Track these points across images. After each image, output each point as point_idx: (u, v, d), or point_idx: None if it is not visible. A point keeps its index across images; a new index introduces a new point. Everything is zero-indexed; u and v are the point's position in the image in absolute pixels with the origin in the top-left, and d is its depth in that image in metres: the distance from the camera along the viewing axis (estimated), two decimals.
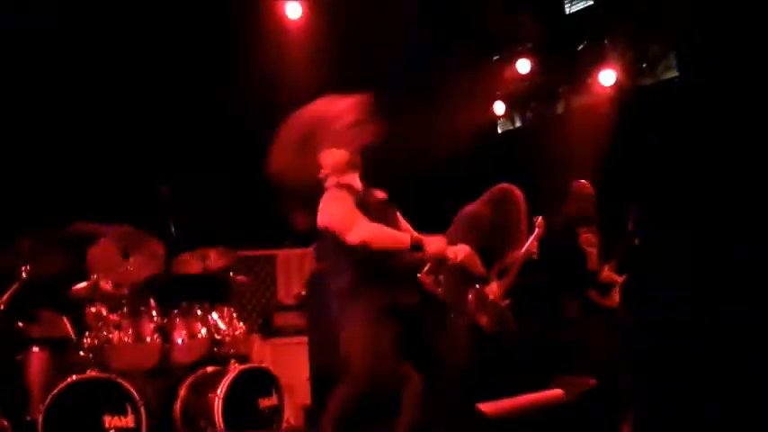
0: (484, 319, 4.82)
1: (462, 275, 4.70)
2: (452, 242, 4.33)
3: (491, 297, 4.89)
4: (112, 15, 6.37)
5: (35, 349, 4.80)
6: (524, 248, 5.07)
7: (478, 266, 4.04)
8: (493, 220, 4.90)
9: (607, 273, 5.65)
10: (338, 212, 3.51)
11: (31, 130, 6.26)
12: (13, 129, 6.18)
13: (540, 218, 5.24)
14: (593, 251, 5.73)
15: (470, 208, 5.03)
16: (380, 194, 3.83)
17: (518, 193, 5.00)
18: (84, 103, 6.56)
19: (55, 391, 4.35)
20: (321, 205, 3.58)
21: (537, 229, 5.18)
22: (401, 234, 3.59)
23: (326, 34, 7.10)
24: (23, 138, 6.21)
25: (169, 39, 6.64)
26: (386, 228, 3.55)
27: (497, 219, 4.92)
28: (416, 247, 3.50)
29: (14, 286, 4.69)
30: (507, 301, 4.98)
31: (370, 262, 3.49)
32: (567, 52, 8.01)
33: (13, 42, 6.10)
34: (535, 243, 5.15)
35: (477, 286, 4.85)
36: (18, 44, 6.15)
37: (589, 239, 5.75)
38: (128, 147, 6.74)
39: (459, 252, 3.60)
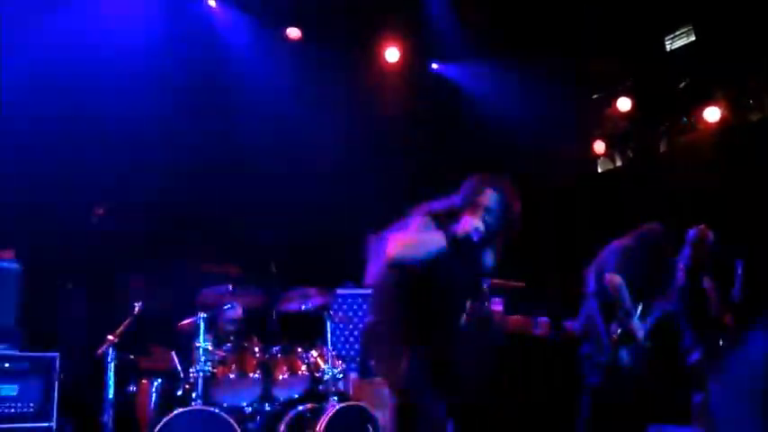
0: (625, 356, 4.74)
1: (608, 306, 4.66)
2: (603, 267, 4.32)
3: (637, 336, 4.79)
4: None
5: (144, 381, 5.04)
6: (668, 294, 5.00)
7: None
8: (640, 257, 4.85)
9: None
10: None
11: (148, 168, 6.59)
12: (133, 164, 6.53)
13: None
14: (714, 298, 5.60)
15: (622, 241, 5.01)
16: None
17: (666, 233, 4.96)
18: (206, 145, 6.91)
19: (162, 422, 4.52)
20: None
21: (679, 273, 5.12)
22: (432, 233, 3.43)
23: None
24: (141, 176, 6.55)
25: None
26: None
27: (645, 256, 4.87)
28: (449, 235, 3.36)
29: (127, 321, 4.93)
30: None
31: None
32: (668, 89, 7.86)
33: None
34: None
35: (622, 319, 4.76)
36: None
37: (711, 286, 5.62)
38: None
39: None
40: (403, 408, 3.46)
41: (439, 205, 3.66)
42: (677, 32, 7.76)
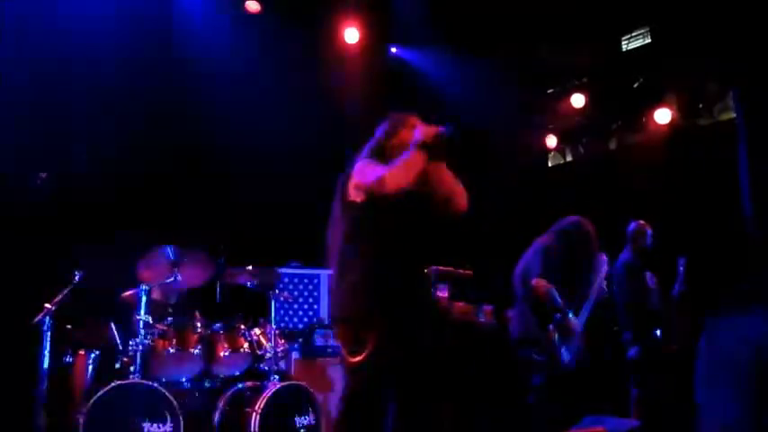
0: (566, 354, 4.78)
1: (540, 309, 4.69)
2: (528, 272, 4.33)
3: (573, 332, 4.83)
4: None
5: (81, 353, 4.93)
6: (597, 285, 5.02)
7: None
8: (563, 254, 4.88)
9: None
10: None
11: (101, 135, 6.43)
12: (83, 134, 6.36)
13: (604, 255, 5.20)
14: (654, 292, 5.71)
15: (543, 240, 5.01)
16: None
17: (590, 227, 4.98)
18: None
19: (97, 394, 4.43)
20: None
21: (604, 266, 5.14)
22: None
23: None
24: (87, 145, 6.38)
25: None
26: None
27: (568, 252, 4.89)
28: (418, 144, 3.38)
29: (66, 290, 4.80)
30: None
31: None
32: (622, 89, 7.98)
33: None
34: (604, 280, 5.12)
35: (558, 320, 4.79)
36: None
37: (653, 281, 5.73)
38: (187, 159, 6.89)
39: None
40: (353, 392, 3.43)
41: (366, 148, 3.67)
42: (634, 33, 7.88)
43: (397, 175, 3.33)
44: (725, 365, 2.12)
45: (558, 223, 5.09)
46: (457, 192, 3.62)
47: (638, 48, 7.86)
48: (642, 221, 5.91)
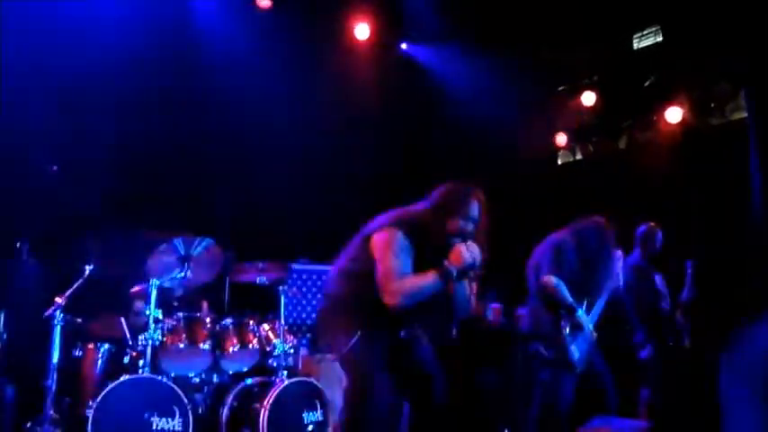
0: (575, 353, 4.76)
1: (551, 305, 4.68)
2: (539, 267, 4.33)
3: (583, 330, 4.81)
4: None
5: (91, 346, 4.95)
6: (611, 283, 4.99)
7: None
8: (577, 250, 4.86)
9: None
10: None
11: (112, 135, 6.46)
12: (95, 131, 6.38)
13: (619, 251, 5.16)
14: (665, 295, 5.69)
15: (557, 235, 5.00)
16: None
17: (607, 225, 4.95)
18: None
19: (106, 388, 4.45)
20: None
21: (619, 263, 5.10)
22: (423, 275, 3.55)
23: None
24: (100, 140, 6.40)
25: None
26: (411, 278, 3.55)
27: (581, 249, 4.87)
28: (445, 274, 3.49)
29: (77, 283, 4.82)
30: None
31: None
32: (632, 87, 7.95)
33: None
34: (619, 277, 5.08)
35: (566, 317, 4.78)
36: None
37: (662, 283, 5.71)
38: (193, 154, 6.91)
39: (473, 249, 3.56)
40: (354, 388, 3.47)
41: (408, 215, 3.69)
42: (645, 32, 7.84)
43: (398, 296, 3.45)
44: (746, 377, 2.12)
45: (576, 221, 5.07)
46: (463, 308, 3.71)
47: (649, 46, 7.82)
48: (653, 224, 5.88)
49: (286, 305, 5.67)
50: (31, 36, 5.94)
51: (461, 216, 3.61)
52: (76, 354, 4.99)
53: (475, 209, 3.64)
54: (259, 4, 7.30)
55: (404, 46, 8.35)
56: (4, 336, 4.80)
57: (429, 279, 3.49)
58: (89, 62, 6.17)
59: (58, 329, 4.66)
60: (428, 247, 3.57)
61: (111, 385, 4.47)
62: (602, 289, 4.94)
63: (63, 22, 6.08)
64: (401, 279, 3.48)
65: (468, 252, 3.52)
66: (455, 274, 3.50)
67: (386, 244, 3.55)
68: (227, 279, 5.76)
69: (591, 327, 4.83)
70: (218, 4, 7.08)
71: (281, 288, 5.51)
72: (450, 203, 3.65)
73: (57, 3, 6.05)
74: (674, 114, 7.61)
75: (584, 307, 4.80)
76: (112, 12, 6.27)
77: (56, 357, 4.64)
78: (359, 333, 3.50)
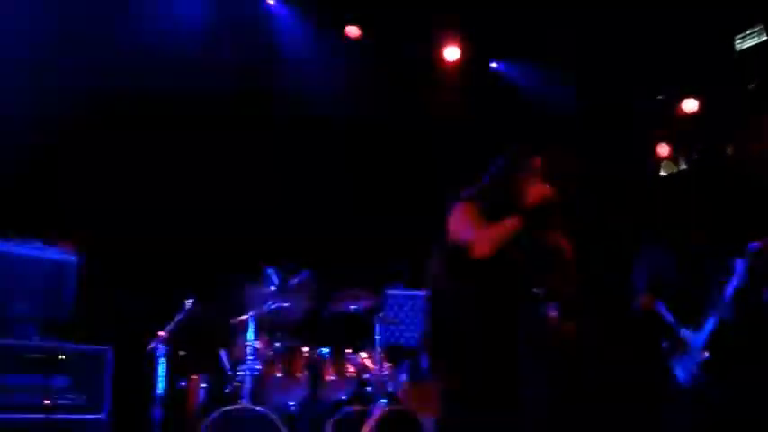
0: (681, 373, 4.58)
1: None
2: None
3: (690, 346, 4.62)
4: None
5: (194, 377, 5.10)
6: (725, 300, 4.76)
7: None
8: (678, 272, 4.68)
9: None
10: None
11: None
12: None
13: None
14: None
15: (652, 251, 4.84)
16: None
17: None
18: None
19: (208, 419, 4.55)
20: None
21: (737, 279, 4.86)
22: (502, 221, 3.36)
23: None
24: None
25: None
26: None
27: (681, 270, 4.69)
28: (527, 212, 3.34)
29: (178, 317, 4.98)
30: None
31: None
32: (737, 91, 7.59)
33: None
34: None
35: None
36: None
37: None
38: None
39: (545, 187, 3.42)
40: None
41: (472, 191, 3.59)
42: (748, 32, 7.48)
43: (486, 242, 3.28)
44: None
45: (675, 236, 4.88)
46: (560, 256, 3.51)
47: (752, 47, 7.45)
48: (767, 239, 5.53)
49: (383, 331, 5.68)
50: None
51: (523, 170, 3.51)
52: (181, 385, 5.15)
53: (531, 162, 3.54)
54: (348, 34, 7.41)
55: (493, 65, 8.26)
56: (113, 368, 4.98)
57: (511, 220, 3.33)
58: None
59: (161, 361, 4.82)
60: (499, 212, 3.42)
61: (213, 415, 4.59)
62: (714, 305, 4.72)
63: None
64: (483, 229, 3.34)
65: (540, 188, 3.40)
66: (531, 209, 3.35)
67: (457, 217, 3.45)
68: (324, 308, 5.80)
69: (699, 345, 4.61)
70: (307, 37, 7.23)
71: (375, 315, 5.53)
72: (510, 165, 3.56)
73: None
74: None
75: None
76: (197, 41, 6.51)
77: (161, 388, 4.80)
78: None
